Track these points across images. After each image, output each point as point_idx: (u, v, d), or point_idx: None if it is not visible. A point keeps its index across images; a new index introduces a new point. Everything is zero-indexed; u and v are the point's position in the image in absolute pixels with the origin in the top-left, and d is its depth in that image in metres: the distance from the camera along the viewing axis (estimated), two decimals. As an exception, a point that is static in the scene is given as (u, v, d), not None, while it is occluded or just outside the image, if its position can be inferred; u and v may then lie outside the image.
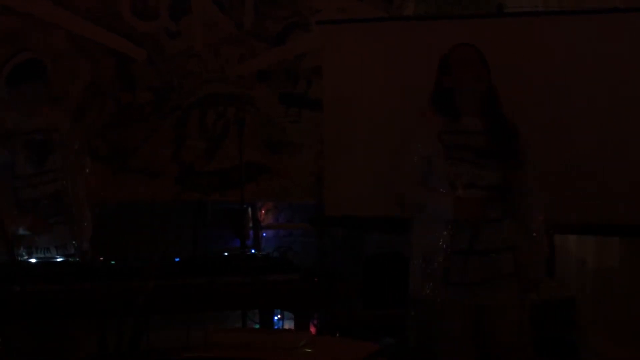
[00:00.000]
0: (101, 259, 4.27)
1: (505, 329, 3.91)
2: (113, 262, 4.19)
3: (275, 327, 5.36)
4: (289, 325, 5.55)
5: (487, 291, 3.88)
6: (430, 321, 3.93)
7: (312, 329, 5.16)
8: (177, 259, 4.29)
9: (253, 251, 5.68)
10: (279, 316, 5.71)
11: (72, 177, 4.57)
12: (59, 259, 4.38)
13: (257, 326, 5.23)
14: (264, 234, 6.72)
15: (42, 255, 4.41)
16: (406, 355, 4.14)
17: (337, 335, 5.57)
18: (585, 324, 5.79)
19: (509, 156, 3.91)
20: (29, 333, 4.19)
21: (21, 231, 4.35)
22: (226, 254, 4.59)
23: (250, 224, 6.62)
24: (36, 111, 4.53)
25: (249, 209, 6.58)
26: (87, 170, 4.71)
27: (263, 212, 6.77)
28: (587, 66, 5.28)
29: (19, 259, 4.26)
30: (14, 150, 4.45)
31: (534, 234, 3.96)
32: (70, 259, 4.35)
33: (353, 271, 6.23)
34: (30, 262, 4.26)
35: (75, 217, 4.55)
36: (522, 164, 3.95)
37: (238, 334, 3.67)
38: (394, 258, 6.22)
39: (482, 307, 3.91)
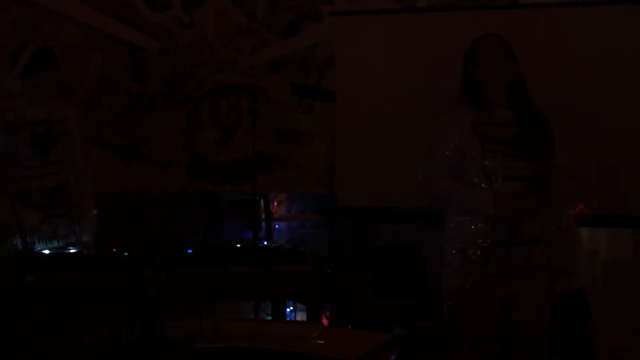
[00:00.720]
0: (114, 249, 4.28)
1: (533, 320, 3.91)
2: (126, 254, 4.19)
3: (288, 319, 5.36)
4: (301, 316, 5.56)
5: (521, 282, 3.87)
6: (464, 311, 3.93)
7: (324, 320, 5.16)
8: (189, 251, 4.29)
9: (265, 243, 5.68)
10: (291, 307, 5.72)
11: (76, 169, 4.58)
12: (72, 250, 4.40)
13: (269, 317, 5.24)
14: (277, 226, 6.72)
15: (47, 246, 4.42)
16: (443, 345, 4.13)
17: (349, 326, 5.58)
18: (596, 316, 5.78)
19: (541, 146, 3.90)
20: (41, 323, 4.21)
21: (28, 223, 4.36)
22: (238, 245, 4.58)
23: (263, 216, 6.62)
24: (43, 102, 4.53)
25: (261, 201, 6.58)
26: (94, 163, 4.72)
27: (275, 203, 6.77)
28: (600, 58, 5.26)
29: (32, 249, 4.28)
30: (19, 141, 4.46)
31: (564, 224, 3.96)
32: (84, 251, 4.36)
33: (364, 262, 6.23)
34: (43, 253, 4.27)
35: (77, 210, 4.56)
36: (552, 153, 3.94)
37: (250, 325, 3.68)
38: (406, 249, 6.23)
39: (513, 297, 3.90)
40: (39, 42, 4.67)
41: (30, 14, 6.26)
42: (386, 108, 5.59)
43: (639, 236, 5.67)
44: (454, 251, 3.94)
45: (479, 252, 3.85)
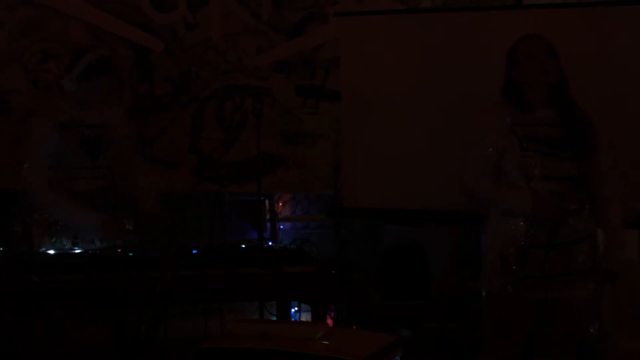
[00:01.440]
0: (119, 250, 4.29)
1: (572, 325, 3.91)
2: (131, 254, 4.20)
3: (292, 319, 5.36)
4: (305, 317, 5.56)
5: (562, 286, 3.87)
6: (499, 314, 3.92)
7: (329, 321, 5.17)
8: (194, 251, 4.30)
9: (270, 243, 5.68)
10: (296, 308, 5.72)
11: (122, 174, 4.64)
12: (76, 250, 4.41)
13: (274, 318, 5.24)
14: (281, 226, 6.73)
15: (86, 247, 4.46)
16: (478, 349, 4.12)
17: (354, 326, 5.58)
18: (604, 317, 5.77)
19: (582, 146, 3.89)
20: (47, 323, 4.21)
21: (87, 226, 4.41)
22: (243, 245, 4.59)
23: (267, 216, 6.63)
24: (96, 107, 4.59)
25: (266, 201, 6.59)
26: (138, 169, 4.77)
27: (280, 204, 6.78)
28: (605, 60, 5.24)
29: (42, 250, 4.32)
30: (70, 141, 4.50)
31: (611, 224, 3.95)
32: (90, 251, 4.37)
33: (370, 263, 6.24)
34: (48, 253, 4.28)
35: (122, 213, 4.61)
36: (595, 153, 3.92)
37: (256, 325, 3.68)
38: (411, 250, 6.23)
39: (554, 301, 3.89)
40: (102, 50, 4.73)
41: (37, 14, 6.27)
42: (391, 108, 5.58)
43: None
44: (492, 253, 3.94)
45: (517, 254, 3.84)
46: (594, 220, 3.94)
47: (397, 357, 3.47)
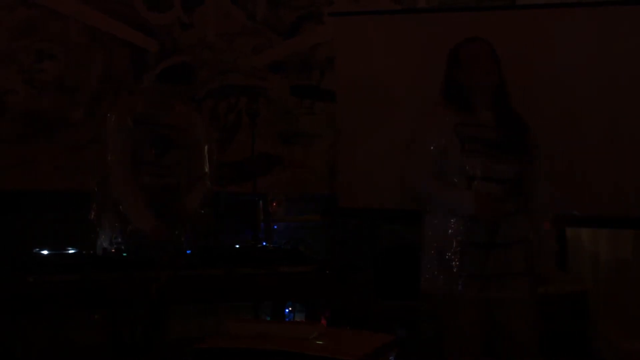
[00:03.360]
0: (113, 250, 4.29)
1: (515, 324, 3.90)
2: (125, 254, 4.20)
3: (287, 319, 5.36)
4: (299, 317, 5.56)
5: (499, 285, 3.87)
6: (442, 314, 3.93)
7: (323, 321, 5.17)
8: (188, 251, 4.30)
9: (264, 243, 5.68)
10: (290, 308, 5.71)
11: (187, 179, 4.66)
12: (71, 251, 4.41)
13: (269, 318, 5.24)
14: (275, 226, 6.72)
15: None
16: (419, 349, 4.14)
17: (348, 327, 5.58)
18: (598, 317, 5.78)
19: (520, 151, 3.91)
20: (43, 323, 4.21)
21: (143, 228, 4.43)
22: (237, 246, 4.59)
23: (262, 216, 6.62)
24: (171, 107, 4.63)
25: (261, 201, 6.58)
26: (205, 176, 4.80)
27: (275, 204, 6.76)
28: (599, 58, 5.25)
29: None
30: (142, 136, 4.53)
31: (543, 228, 3.96)
32: (83, 251, 4.37)
33: (365, 263, 6.23)
34: (43, 254, 4.28)
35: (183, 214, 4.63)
36: (532, 158, 3.94)
37: (252, 325, 3.68)
38: (407, 250, 6.22)
39: (494, 301, 3.89)
40: (185, 57, 4.79)
41: (34, 14, 6.29)
42: (387, 108, 5.59)
43: (638, 237, 5.66)
44: (432, 252, 3.95)
45: (455, 253, 3.84)
46: (529, 223, 3.94)
47: (392, 357, 3.47)
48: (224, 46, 6.50)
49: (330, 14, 6.19)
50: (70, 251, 4.38)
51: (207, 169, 4.80)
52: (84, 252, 4.34)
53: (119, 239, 4.47)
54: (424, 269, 3.99)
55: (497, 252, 3.85)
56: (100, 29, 6.36)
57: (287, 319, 5.33)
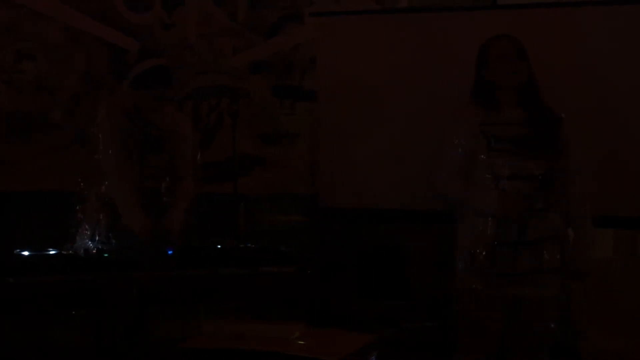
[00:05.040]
0: (94, 251, 4.27)
1: (541, 322, 3.92)
2: (106, 255, 4.19)
3: (269, 319, 5.35)
4: (282, 317, 5.55)
5: (531, 283, 3.87)
6: (471, 312, 3.94)
7: (306, 321, 5.16)
8: (170, 252, 4.29)
9: (246, 244, 5.67)
10: (272, 308, 5.70)
11: (173, 181, 4.65)
12: (52, 252, 4.39)
13: (251, 318, 5.23)
14: (257, 227, 6.71)
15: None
16: (451, 347, 4.13)
17: (331, 327, 5.57)
18: (580, 316, 5.80)
19: (550, 146, 3.90)
20: (24, 325, 4.19)
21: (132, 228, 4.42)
22: (219, 246, 4.58)
23: (244, 216, 6.61)
24: (160, 109, 4.61)
25: (242, 201, 6.57)
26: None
27: (257, 204, 6.75)
28: (581, 59, 5.26)
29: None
30: (131, 135, 4.52)
31: (579, 224, 3.96)
32: (63, 252, 4.36)
33: (348, 263, 6.23)
34: (24, 255, 4.26)
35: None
36: (563, 153, 3.92)
37: (233, 325, 3.67)
38: (390, 250, 6.23)
39: (522, 299, 3.90)
40: (162, 60, 4.75)
41: (12, 15, 6.25)
42: (368, 108, 5.59)
43: (620, 236, 5.68)
44: (463, 252, 3.96)
45: (485, 253, 3.85)
46: (562, 219, 3.95)
47: (374, 357, 3.47)
48: (204, 46, 6.48)
49: (311, 14, 6.18)
50: (51, 252, 4.36)
51: (190, 169, 4.79)
52: (65, 253, 4.32)
53: (102, 239, 4.46)
54: (458, 268, 3.99)
55: (528, 250, 3.86)
56: (80, 29, 6.33)
57: (269, 319, 5.32)
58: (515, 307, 3.92)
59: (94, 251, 4.28)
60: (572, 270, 3.97)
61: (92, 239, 4.47)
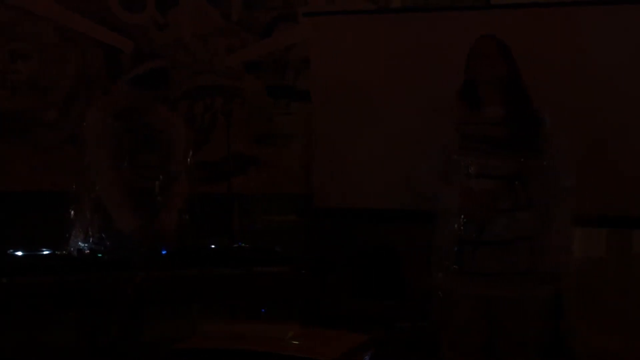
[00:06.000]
0: (87, 251, 4.27)
1: (517, 324, 3.90)
2: (100, 255, 4.18)
3: (263, 320, 5.35)
4: (276, 317, 5.56)
5: (502, 284, 3.85)
6: (444, 311, 3.94)
7: (300, 321, 5.17)
8: (164, 252, 4.29)
9: (240, 243, 5.67)
10: (266, 308, 5.70)
11: (165, 182, 4.64)
12: (45, 252, 4.38)
13: (245, 318, 5.23)
14: (251, 227, 6.71)
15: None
16: (429, 345, 4.14)
17: (324, 327, 5.57)
18: (572, 315, 5.81)
19: (527, 146, 3.87)
20: (17, 325, 4.19)
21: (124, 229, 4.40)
22: (213, 246, 4.59)
23: (238, 216, 6.61)
24: (152, 108, 4.61)
25: (237, 201, 6.57)
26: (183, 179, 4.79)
27: (251, 204, 6.75)
28: (573, 59, 5.27)
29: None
30: (122, 135, 4.51)
31: (553, 224, 3.92)
32: (57, 252, 4.35)
33: (342, 263, 6.23)
34: (17, 255, 4.26)
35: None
36: (541, 152, 3.88)
37: (227, 326, 3.67)
38: (383, 250, 6.23)
39: (496, 300, 3.89)
40: (161, 61, 4.75)
41: (6, 15, 6.24)
42: (363, 108, 5.59)
43: (612, 236, 5.70)
44: (436, 250, 3.96)
45: (454, 250, 3.85)
46: (536, 220, 3.91)
47: (368, 357, 3.47)
48: (199, 46, 6.49)
49: (304, 14, 6.19)
50: (45, 252, 4.36)
51: (183, 170, 4.79)
52: (58, 253, 4.32)
53: (95, 239, 4.46)
54: (432, 266, 3.99)
55: (496, 250, 3.84)
56: (74, 29, 6.33)
57: (263, 320, 5.33)
58: (490, 308, 3.91)
59: (88, 251, 4.27)
60: (545, 272, 3.91)
61: (86, 239, 4.46)
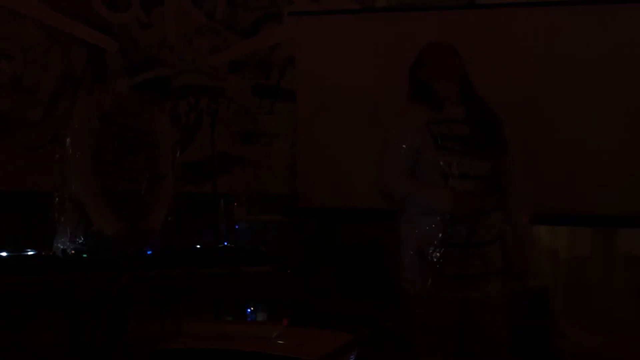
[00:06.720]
0: (72, 251, 4.26)
1: (492, 323, 3.90)
2: (85, 255, 4.17)
3: (249, 319, 5.35)
4: (261, 317, 5.56)
5: (480, 285, 3.85)
6: (420, 315, 3.91)
7: (285, 320, 5.17)
8: (149, 252, 4.28)
9: (226, 243, 5.67)
10: (252, 308, 5.71)
11: (154, 178, 4.63)
12: (30, 252, 4.37)
13: (230, 318, 5.23)
14: (236, 226, 6.71)
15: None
16: (402, 349, 4.13)
17: (310, 326, 5.58)
18: (558, 313, 5.83)
19: (493, 146, 3.88)
20: (2, 325, 4.18)
21: (105, 232, 4.37)
22: (198, 246, 4.58)
23: (223, 216, 6.60)
24: (142, 113, 4.59)
25: (222, 201, 6.57)
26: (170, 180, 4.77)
27: (236, 204, 6.75)
28: (559, 56, 5.29)
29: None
30: (107, 136, 4.49)
31: (520, 223, 3.95)
32: (41, 252, 4.34)
33: (328, 262, 6.23)
34: (2, 256, 4.24)
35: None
36: (506, 151, 3.91)
37: (213, 325, 3.67)
38: (369, 249, 6.23)
39: (471, 301, 3.87)
40: (166, 70, 4.74)
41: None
42: (347, 108, 5.60)
43: (598, 235, 5.72)
44: (411, 252, 3.91)
45: (437, 253, 3.84)
46: (505, 219, 3.94)
47: (353, 356, 3.47)
48: (183, 46, 6.47)
49: (290, 13, 6.19)
50: (30, 253, 4.35)
51: (169, 170, 4.78)
52: (43, 253, 4.30)
53: (80, 240, 4.44)
54: (405, 269, 3.95)
55: (476, 251, 3.83)
56: (58, 28, 6.31)
57: (249, 319, 5.33)
58: (464, 308, 3.90)
59: (73, 252, 4.26)
60: (512, 269, 3.94)
61: (71, 240, 4.44)
